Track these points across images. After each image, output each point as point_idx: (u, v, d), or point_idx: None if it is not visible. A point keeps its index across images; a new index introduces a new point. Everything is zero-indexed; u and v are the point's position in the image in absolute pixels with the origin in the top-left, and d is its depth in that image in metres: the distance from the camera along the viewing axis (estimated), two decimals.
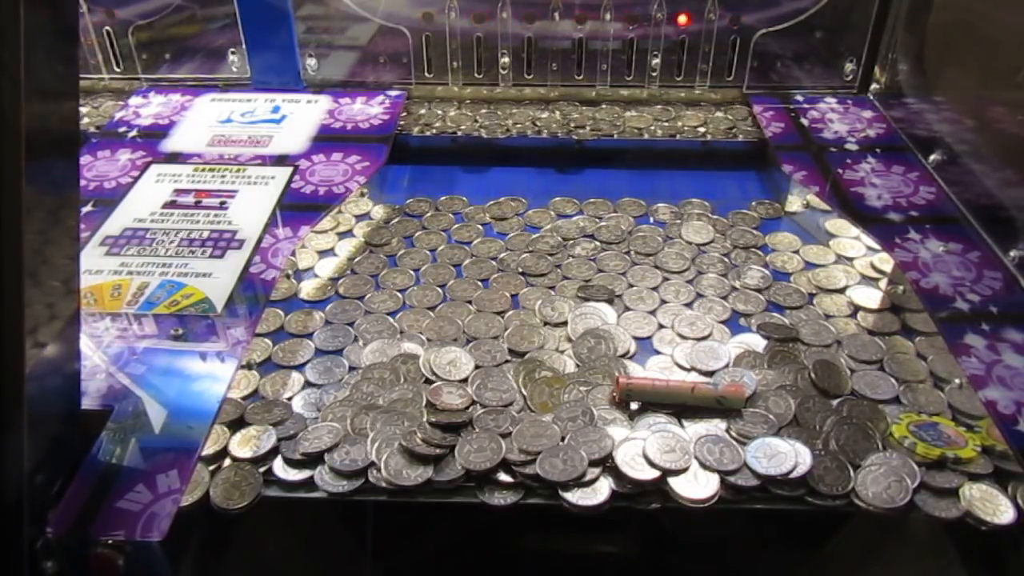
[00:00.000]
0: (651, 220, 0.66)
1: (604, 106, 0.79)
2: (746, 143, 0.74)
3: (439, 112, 0.78)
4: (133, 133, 0.72)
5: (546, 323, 0.54)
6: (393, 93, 0.79)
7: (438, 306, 0.56)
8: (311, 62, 0.80)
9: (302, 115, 0.75)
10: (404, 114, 0.77)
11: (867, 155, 0.69)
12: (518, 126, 0.76)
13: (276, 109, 0.76)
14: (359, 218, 0.67)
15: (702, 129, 0.76)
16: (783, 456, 0.43)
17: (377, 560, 0.53)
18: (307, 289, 0.58)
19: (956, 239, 0.58)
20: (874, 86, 0.79)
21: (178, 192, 0.63)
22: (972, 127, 0.66)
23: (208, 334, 0.49)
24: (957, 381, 0.49)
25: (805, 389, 0.48)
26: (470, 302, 0.56)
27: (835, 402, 0.47)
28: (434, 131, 0.75)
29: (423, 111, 0.78)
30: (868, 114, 0.76)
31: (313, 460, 0.44)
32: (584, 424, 0.45)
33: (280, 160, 0.68)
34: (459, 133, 0.75)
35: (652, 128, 0.76)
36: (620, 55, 0.78)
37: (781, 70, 0.79)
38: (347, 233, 0.65)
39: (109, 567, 0.37)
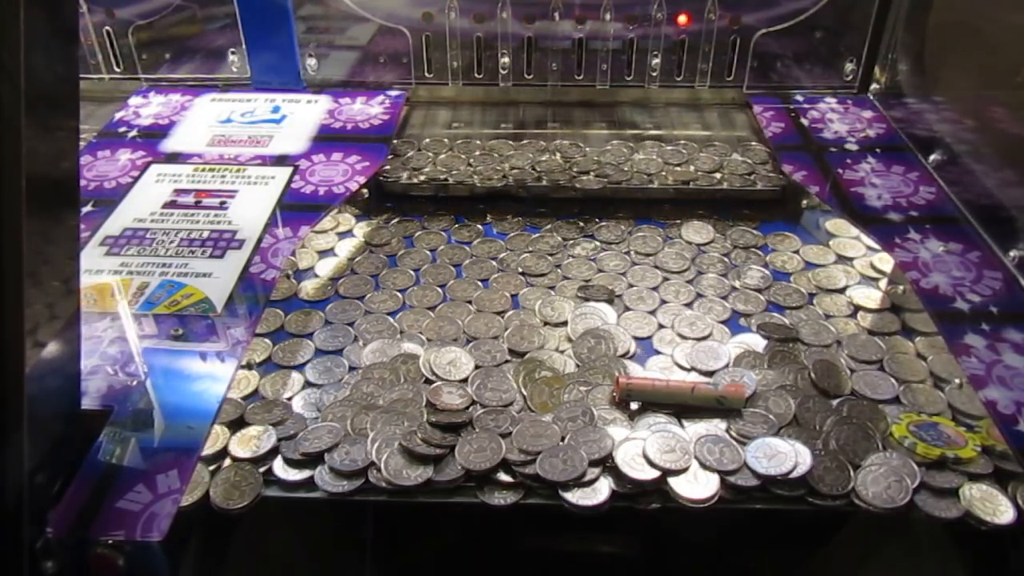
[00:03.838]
0: (651, 220, 0.66)
1: (610, 146, 0.72)
2: (767, 190, 0.67)
3: (429, 154, 0.71)
4: (133, 133, 0.72)
5: (546, 323, 0.54)
6: (393, 93, 0.79)
7: (438, 306, 0.56)
8: (311, 62, 0.80)
9: (302, 115, 0.75)
10: (391, 156, 0.70)
11: (867, 155, 0.69)
12: (515, 171, 0.69)
13: (276, 109, 0.76)
14: (359, 218, 0.67)
15: (717, 175, 0.68)
16: (783, 456, 0.43)
17: (377, 560, 0.53)
18: (307, 289, 0.58)
19: (956, 239, 0.58)
20: (874, 86, 0.79)
21: (178, 192, 0.63)
22: (972, 127, 0.66)
23: (208, 334, 0.49)
24: (957, 381, 0.49)
25: (805, 389, 0.49)
26: (470, 302, 0.56)
27: (835, 402, 0.47)
28: (423, 177, 0.68)
29: (411, 152, 0.72)
30: (868, 114, 0.76)
31: (313, 460, 0.44)
32: (584, 424, 0.45)
33: (280, 160, 0.68)
34: (450, 180, 0.68)
35: (663, 174, 0.68)
36: (620, 55, 0.78)
37: (781, 70, 0.79)
38: (347, 233, 0.65)
39: (109, 567, 0.37)
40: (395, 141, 0.73)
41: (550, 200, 0.68)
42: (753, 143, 0.74)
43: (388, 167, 0.70)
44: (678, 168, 0.70)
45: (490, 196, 0.68)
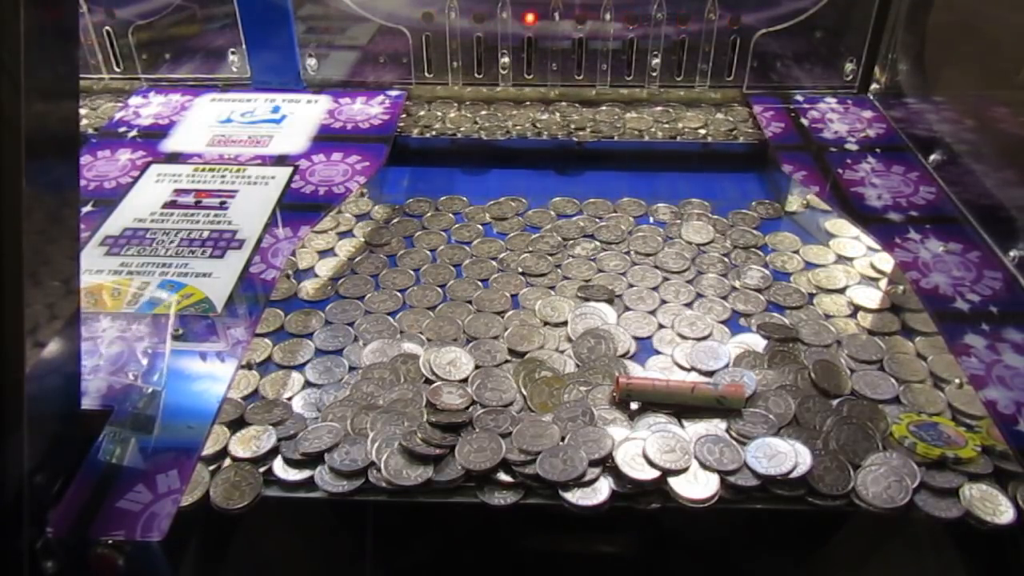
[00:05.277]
0: (651, 220, 0.66)
1: (604, 107, 0.79)
2: (747, 144, 0.74)
3: (439, 113, 0.78)
4: (133, 133, 0.72)
5: (546, 323, 0.54)
6: (393, 93, 0.79)
7: (438, 306, 0.56)
8: (311, 62, 0.80)
9: (302, 115, 0.75)
10: (404, 115, 0.77)
11: (867, 155, 0.69)
12: (518, 128, 0.75)
13: (276, 109, 0.76)
14: (359, 218, 0.67)
15: (703, 131, 0.75)
16: (783, 456, 0.43)
17: (377, 560, 0.53)
18: (307, 289, 0.58)
19: (956, 239, 0.58)
20: (874, 86, 0.79)
21: (178, 192, 0.63)
22: (972, 127, 0.66)
23: (208, 334, 0.49)
24: (957, 381, 0.49)
25: (805, 389, 0.49)
26: (470, 302, 0.56)
27: (835, 402, 0.48)
28: (434, 133, 0.75)
29: (423, 112, 0.78)
30: (868, 114, 0.76)
31: (313, 460, 0.44)
32: (584, 424, 0.45)
33: (280, 160, 0.68)
34: (459, 135, 0.74)
35: (652, 130, 0.75)
36: (620, 55, 0.78)
37: (781, 70, 0.79)
38: (347, 233, 0.65)
39: (109, 567, 0.37)
40: (407, 102, 0.79)
41: (549, 154, 0.74)
42: (736, 105, 0.79)
43: (402, 124, 0.75)
44: (667, 125, 0.76)
45: (495, 151, 0.74)
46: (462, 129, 0.75)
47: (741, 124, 0.76)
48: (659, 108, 0.79)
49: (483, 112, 0.78)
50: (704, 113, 0.78)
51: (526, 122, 0.76)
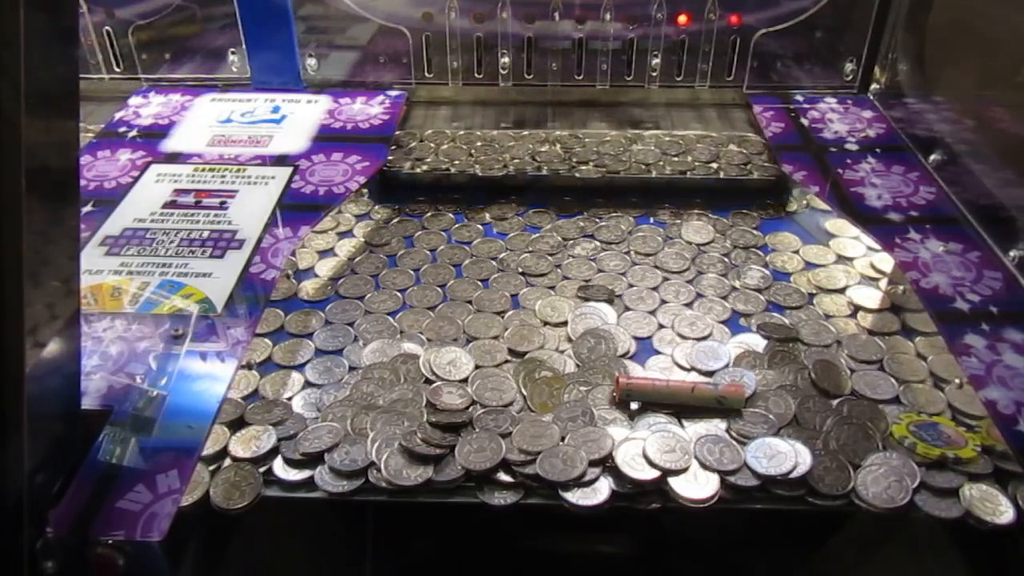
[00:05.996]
0: (651, 220, 0.66)
1: (608, 138, 0.74)
2: (762, 180, 0.69)
3: (431, 145, 0.73)
4: (133, 133, 0.72)
5: (546, 323, 0.54)
6: (393, 93, 0.79)
7: (438, 306, 0.56)
8: (311, 62, 0.80)
9: (302, 115, 0.75)
10: (394, 147, 0.72)
11: (867, 155, 0.69)
12: (516, 161, 0.70)
13: (276, 109, 0.76)
14: (359, 218, 0.67)
15: (714, 165, 0.70)
16: (783, 456, 0.43)
17: (377, 560, 0.53)
18: (307, 289, 0.58)
19: (956, 239, 0.58)
20: (874, 86, 0.79)
21: (178, 192, 0.63)
22: (972, 127, 0.66)
23: (208, 334, 0.49)
24: (957, 381, 0.49)
25: (805, 389, 0.49)
26: (470, 302, 0.56)
27: (835, 402, 0.48)
28: (425, 167, 0.70)
29: (414, 144, 0.73)
30: (868, 114, 0.76)
31: (313, 460, 0.44)
32: (584, 424, 0.45)
33: (280, 160, 0.67)
34: (452, 169, 0.70)
35: (660, 163, 0.70)
36: (620, 55, 0.78)
37: (781, 70, 0.79)
38: (347, 233, 0.65)
39: (109, 567, 0.37)
40: (398, 132, 0.74)
41: (550, 189, 0.69)
42: (749, 135, 0.75)
43: (391, 157, 0.71)
44: (675, 158, 0.71)
45: (491, 186, 0.69)
46: (456, 163, 0.70)
47: (756, 156, 0.71)
48: (668, 138, 0.73)
49: (479, 144, 0.73)
50: (715, 143, 0.73)
51: (525, 154, 0.71)
